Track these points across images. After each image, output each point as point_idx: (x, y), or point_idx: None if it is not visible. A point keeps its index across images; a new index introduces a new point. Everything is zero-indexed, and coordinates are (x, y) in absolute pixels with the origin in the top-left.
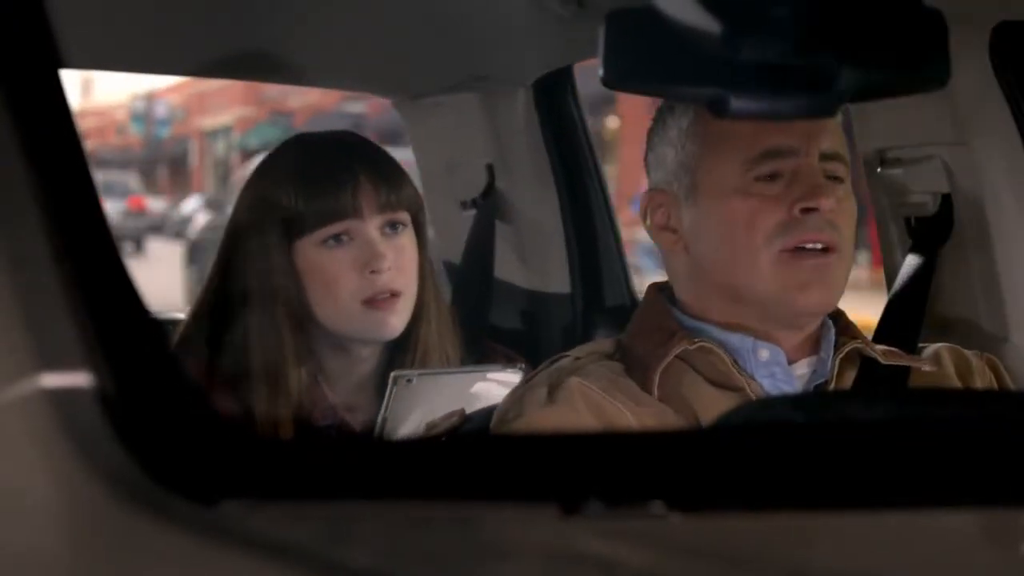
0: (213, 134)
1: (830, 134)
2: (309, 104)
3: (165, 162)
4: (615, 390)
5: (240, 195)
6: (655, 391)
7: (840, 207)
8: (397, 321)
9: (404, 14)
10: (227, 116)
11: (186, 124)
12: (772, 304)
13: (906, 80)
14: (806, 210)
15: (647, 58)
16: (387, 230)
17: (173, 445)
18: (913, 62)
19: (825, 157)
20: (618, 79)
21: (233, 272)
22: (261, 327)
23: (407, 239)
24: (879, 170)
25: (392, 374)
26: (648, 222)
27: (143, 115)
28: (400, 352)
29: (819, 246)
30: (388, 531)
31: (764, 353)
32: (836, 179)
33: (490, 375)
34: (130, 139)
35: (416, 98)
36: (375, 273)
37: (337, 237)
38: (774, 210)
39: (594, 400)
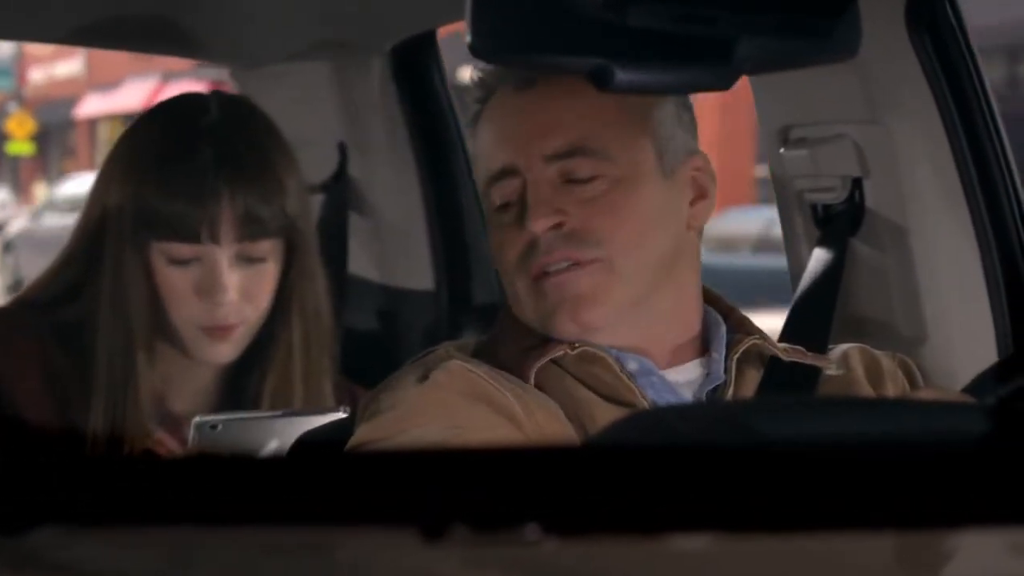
0: None
1: (561, 128)
2: None
3: None
4: (500, 376)
5: (105, 164)
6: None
7: (592, 210)
8: (229, 349)
9: None
10: None
11: None
12: (542, 329)
13: (812, 49)
14: (533, 234)
15: (522, 22)
16: (242, 260)
17: None
18: (819, 29)
19: (555, 158)
20: (488, 47)
21: (85, 260)
22: (109, 327)
23: (265, 269)
24: (782, 151)
25: (194, 420)
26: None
27: None
28: (241, 372)
29: (563, 265)
30: (233, 559)
31: (632, 365)
32: (587, 179)
33: (308, 420)
34: None
35: (255, 66)
36: (216, 304)
37: (184, 259)
38: (516, 238)
39: (478, 384)
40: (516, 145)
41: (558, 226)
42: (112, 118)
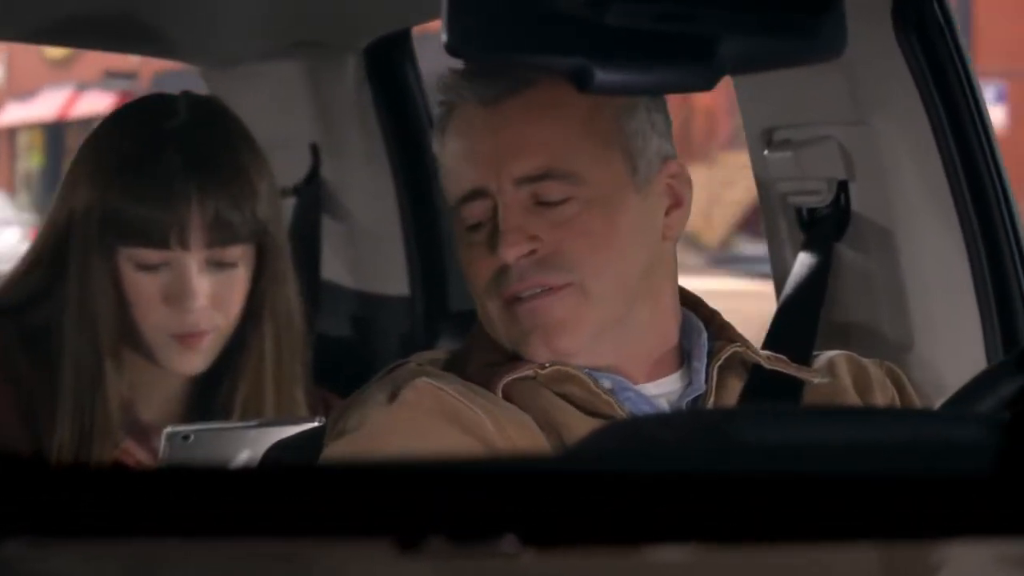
0: None
1: (532, 150)
2: None
3: None
4: (471, 393)
5: (72, 167)
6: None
7: (564, 233)
8: (199, 359)
9: None
10: None
11: None
12: (519, 353)
13: (796, 49)
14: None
15: (499, 21)
16: (212, 267)
17: None
18: (804, 28)
19: (527, 180)
20: (465, 45)
21: (50, 264)
22: (76, 334)
23: (236, 274)
24: (766, 153)
25: (165, 431)
26: None
27: None
28: (212, 380)
29: (536, 291)
30: (202, 572)
31: (606, 383)
32: (550, 204)
33: (282, 430)
34: None
35: (227, 66)
36: (185, 311)
37: (153, 265)
38: (487, 261)
39: (447, 403)
40: (486, 167)
41: (531, 253)
42: (31, 127)
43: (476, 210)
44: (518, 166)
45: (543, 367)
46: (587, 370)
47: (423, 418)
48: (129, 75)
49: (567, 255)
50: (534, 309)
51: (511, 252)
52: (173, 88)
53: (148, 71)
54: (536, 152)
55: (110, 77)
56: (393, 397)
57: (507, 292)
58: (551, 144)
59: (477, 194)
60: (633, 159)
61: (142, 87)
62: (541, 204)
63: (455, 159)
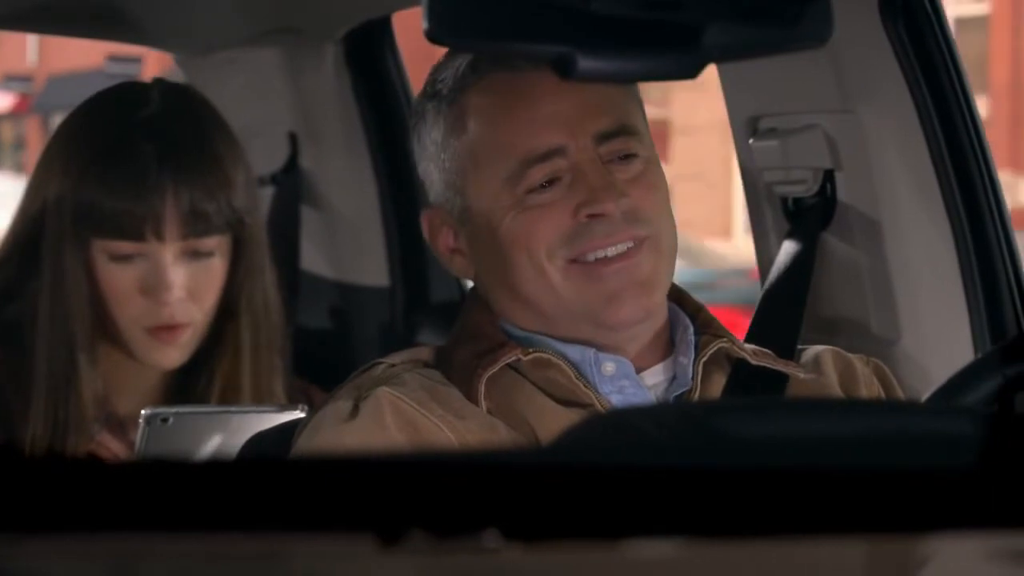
0: None
1: (605, 108)
2: None
3: None
4: (432, 402)
5: (43, 157)
6: (482, 403)
7: (638, 188)
8: (178, 354)
9: None
10: None
11: None
12: (583, 318)
13: (781, 36)
14: (593, 215)
15: (481, 7)
16: (187, 257)
17: None
18: (790, 15)
19: (605, 137)
20: (445, 32)
21: (23, 257)
22: (50, 327)
23: (212, 264)
24: (751, 141)
25: (143, 413)
26: (435, 245)
27: None
28: (188, 372)
29: (624, 247)
30: (181, 568)
31: (609, 367)
32: (626, 157)
33: (262, 416)
34: None
35: (203, 53)
36: (161, 303)
37: (127, 255)
38: (555, 218)
39: (406, 414)
40: (563, 125)
41: (624, 205)
42: None
43: (546, 170)
44: (597, 123)
45: (527, 352)
46: (593, 350)
47: (378, 432)
48: (25, 78)
49: (647, 208)
50: (624, 268)
51: (610, 205)
52: (67, 91)
53: (43, 74)
54: (610, 109)
55: (8, 80)
56: (351, 408)
57: (579, 250)
58: (619, 102)
59: (553, 153)
60: (647, 124)
61: (37, 89)
62: (611, 161)
63: (513, 123)
